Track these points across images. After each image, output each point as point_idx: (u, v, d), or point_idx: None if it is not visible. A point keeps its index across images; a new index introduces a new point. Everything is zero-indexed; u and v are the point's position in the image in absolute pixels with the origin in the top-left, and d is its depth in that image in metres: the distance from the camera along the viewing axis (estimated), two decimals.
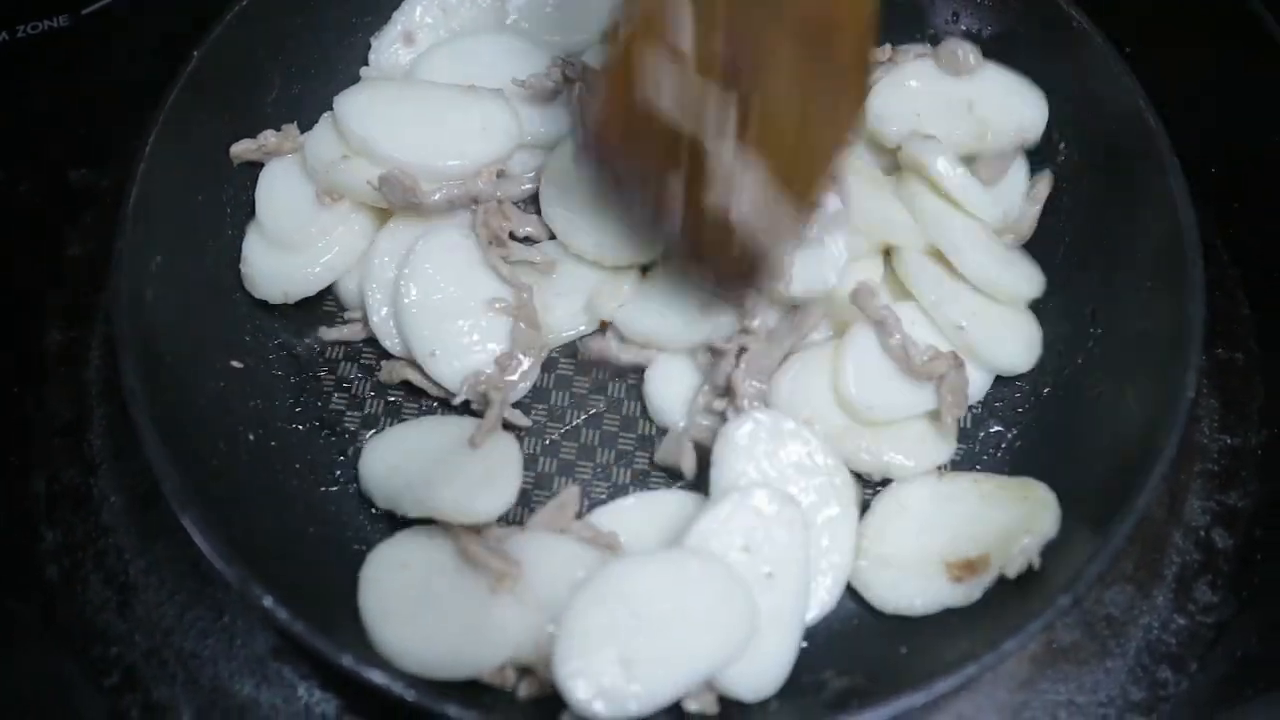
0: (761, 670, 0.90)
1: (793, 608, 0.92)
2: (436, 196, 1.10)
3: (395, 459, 1.03)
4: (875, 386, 1.03)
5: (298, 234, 1.11)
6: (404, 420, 1.09)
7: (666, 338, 1.08)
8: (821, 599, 0.96)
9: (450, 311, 1.08)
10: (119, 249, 0.99)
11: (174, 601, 1.03)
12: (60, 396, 1.13)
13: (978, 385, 1.08)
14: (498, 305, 1.08)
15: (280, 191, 1.13)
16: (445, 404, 1.08)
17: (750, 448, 0.98)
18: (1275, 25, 1.21)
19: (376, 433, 1.08)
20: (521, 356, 1.08)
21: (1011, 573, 0.94)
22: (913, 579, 0.97)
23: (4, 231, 1.23)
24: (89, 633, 1.01)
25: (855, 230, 1.06)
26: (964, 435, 1.08)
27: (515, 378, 1.07)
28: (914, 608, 0.96)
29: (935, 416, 1.04)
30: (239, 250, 1.12)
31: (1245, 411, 1.13)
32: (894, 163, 1.16)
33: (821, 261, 1.05)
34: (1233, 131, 1.24)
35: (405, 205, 1.10)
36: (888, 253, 1.11)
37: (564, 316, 1.11)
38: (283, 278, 1.11)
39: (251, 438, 1.05)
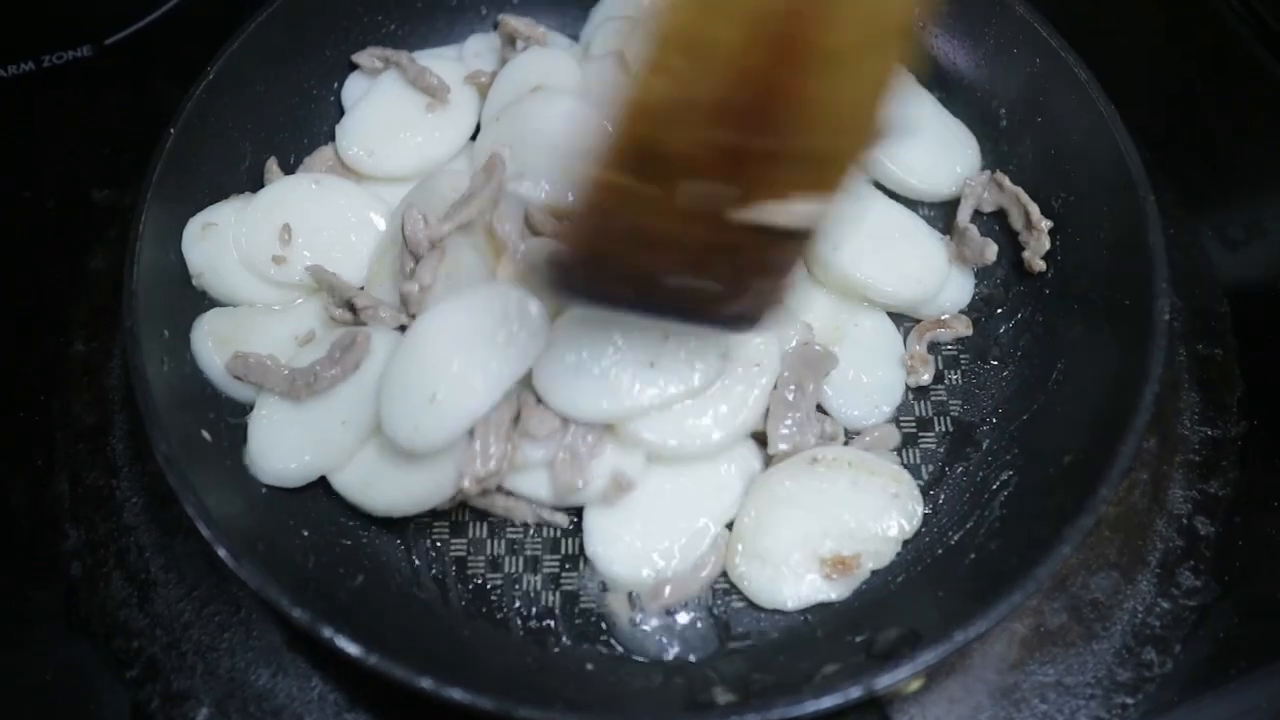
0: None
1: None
2: None
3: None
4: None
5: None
6: None
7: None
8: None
9: None
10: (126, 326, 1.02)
11: (193, 597, 1.07)
12: (83, 403, 1.18)
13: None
14: None
15: None
16: None
17: None
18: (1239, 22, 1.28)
19: None
20: None
21: (881, 565, 1.02)
22: (788, 578, 1.01)
23: (32, 246, 1.29)
24: (111, 626, 1.05)
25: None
26: (969, 371, 1.17)
27: None
28: (786, 605, 1.01)
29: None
30: None
31: (1225, 404, 1.17)
32: None
33: None
34: (1211, 130, 1.30)
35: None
36: None
37: None
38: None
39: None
